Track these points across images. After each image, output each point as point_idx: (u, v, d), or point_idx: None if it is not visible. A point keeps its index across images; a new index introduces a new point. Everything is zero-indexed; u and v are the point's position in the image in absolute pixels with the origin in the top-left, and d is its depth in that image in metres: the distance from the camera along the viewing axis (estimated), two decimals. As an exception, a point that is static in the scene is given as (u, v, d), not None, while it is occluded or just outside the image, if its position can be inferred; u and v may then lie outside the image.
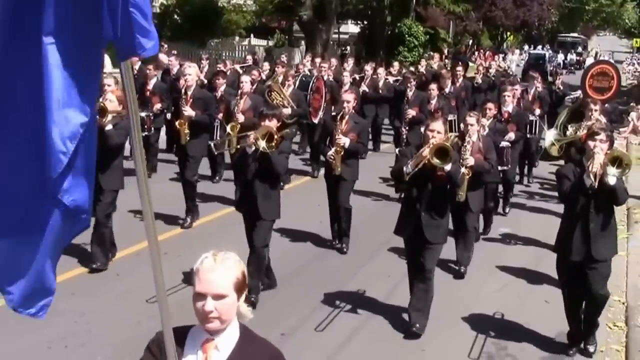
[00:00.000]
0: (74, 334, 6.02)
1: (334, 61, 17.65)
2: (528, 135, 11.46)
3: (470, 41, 49.03)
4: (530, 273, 8.12)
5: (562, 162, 9.43)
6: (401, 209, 6.53)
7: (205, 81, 12.72)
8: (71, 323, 6.17)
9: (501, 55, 41.25)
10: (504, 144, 9.38)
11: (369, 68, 15.79)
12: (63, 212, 2.10)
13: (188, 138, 9.01)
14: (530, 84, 13.67)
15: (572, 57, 51.05)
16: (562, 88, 15.16)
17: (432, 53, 28.08)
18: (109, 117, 7.08)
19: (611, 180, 5.45)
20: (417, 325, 6.29)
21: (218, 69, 14.41)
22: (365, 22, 37.06)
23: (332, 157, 8.27)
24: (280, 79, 12.32)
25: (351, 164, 8.46)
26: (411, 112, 11.54)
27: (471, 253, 8.22)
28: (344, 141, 8.19)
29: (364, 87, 14.51)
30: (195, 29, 27.83)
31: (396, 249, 8.18)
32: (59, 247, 2.21)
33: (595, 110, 9.56)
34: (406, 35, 33.40)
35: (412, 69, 20.07)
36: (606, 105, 11.88)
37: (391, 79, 16.04)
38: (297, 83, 12.54)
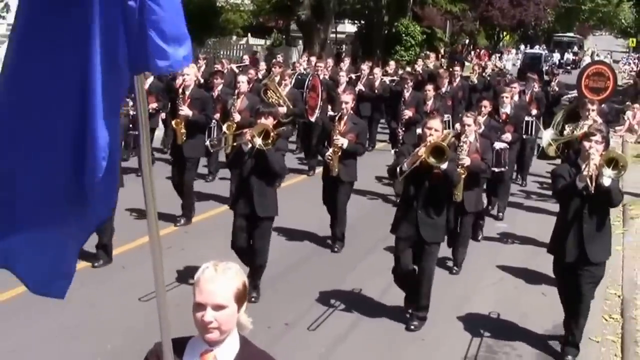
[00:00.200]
0: (84, 323, 6.20)
1: (330, 61, 17.66)
2: (524, 136, 11.47)
3: (467, 41, 49.09)
4: (528, 268, 8.22)
5: (559, 161, 9.47)
6: (398, 208, 6.55)
7: (202, 80, 12.71)
8: (81, 313, 6.34)
9: (497, 55, 41.35)
10: (501, 145, 9.35)
11: (365, 67, 15.81)
12: (94, 203, 2.15)
13: (184, 138, 9.01)
14: (528, 85, 13.69)
15: (568, 56, 51.16)
16: (557, 89, 15.13)
17: (428, 52, 28.08)
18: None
19: (606, 181, 5.40)
20: (416, 322, 6.42)
21: (215, 68, 14.41)
22: (362, 22, 37.08)
23: (329, 158, 8.28)
24: (277, 78, 12.32)
25: (349, 164, 8.46)
26: (407, 113, 11.54)
27: (465, 253, 8.24)
28: (342, 142, 8.20)
29: (360, 86, 14.52)
30: (193, 28, 27.71)
31: (393, 247, 8.22)
32: (84, 235, 2.29)
33: (593, 111, 9.57)
34: (403, 35, 33.45)
35: (408, 68, 20.09)
36: (603, 105, 11.89)
37: (387, 79, 16.07)
38: (293, 81, 12.55)
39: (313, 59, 17.93)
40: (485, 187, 9.24)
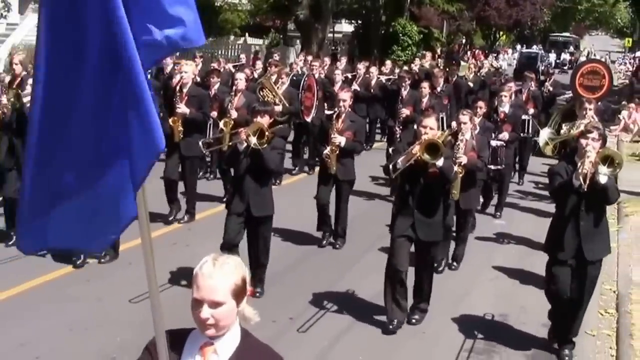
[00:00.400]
0: (93, 317, 6.30)
1: (326, 59, 17.64)
2: (521, 135, 11.48)
3: (463, 40, 49.11)
4: (524, 266, 8.28)
5: (556, 161, 9.50)
6: (395, 207, 6.54)
7: (199, 79, 12.68)
8: (89, 307, 6.48)
9: (494, 55, 41.38)
10: (497, 142, 9.37)
11: (361, 67, 15.80)
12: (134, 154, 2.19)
13: (182, 136, 9.00)
14: (525, 84, 13.70)
15: (565, 56, 51.18)
16: (552, 89, 15.12)
17: (424, 52, 28.09)
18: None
19: (602, 179, 5.39)
20: (417, 316, 6.51)
21: (212, 67, 14.39)
22: (360, 22, 37.09)
23: (327, 156, 8.28)
24: (274, 77, 12.30)
25: (347, 163, 8.48)
26: (405, 112, 11.55)
27: (462, 252, 8.27)
28: (340, 140, 8.20)
29: (355, 86, 14.51)
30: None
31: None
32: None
33: (590, 109, 9.58)
34: (400, 35, 33.47)
35: (405, 68, 20.08)
36: (599, 104, 11.91)
37: (383, 78, 16.06)
38: (289, 82, 12.52)
39: (310, 58, 17.90)
40: (482, 186, 9.26)
